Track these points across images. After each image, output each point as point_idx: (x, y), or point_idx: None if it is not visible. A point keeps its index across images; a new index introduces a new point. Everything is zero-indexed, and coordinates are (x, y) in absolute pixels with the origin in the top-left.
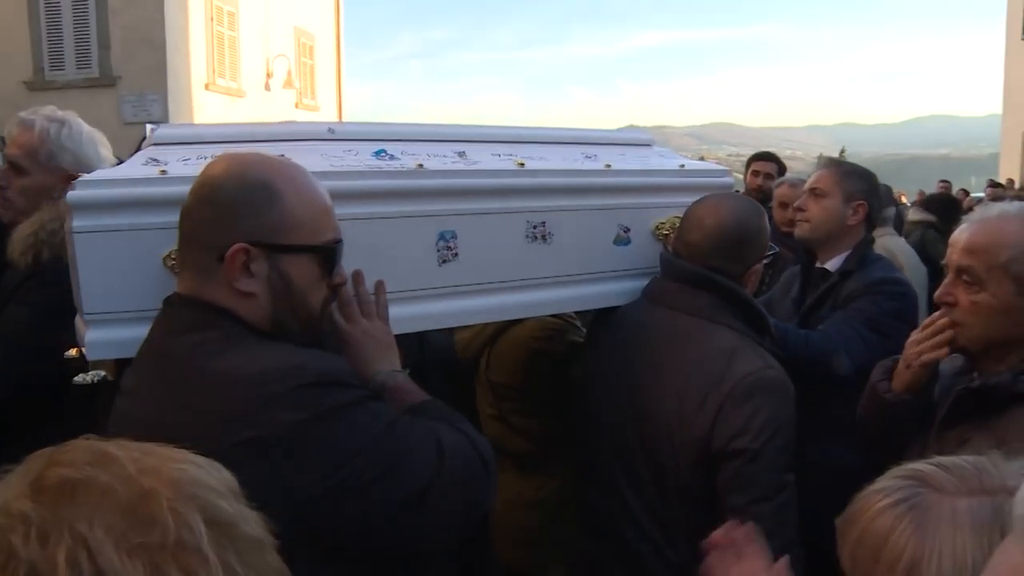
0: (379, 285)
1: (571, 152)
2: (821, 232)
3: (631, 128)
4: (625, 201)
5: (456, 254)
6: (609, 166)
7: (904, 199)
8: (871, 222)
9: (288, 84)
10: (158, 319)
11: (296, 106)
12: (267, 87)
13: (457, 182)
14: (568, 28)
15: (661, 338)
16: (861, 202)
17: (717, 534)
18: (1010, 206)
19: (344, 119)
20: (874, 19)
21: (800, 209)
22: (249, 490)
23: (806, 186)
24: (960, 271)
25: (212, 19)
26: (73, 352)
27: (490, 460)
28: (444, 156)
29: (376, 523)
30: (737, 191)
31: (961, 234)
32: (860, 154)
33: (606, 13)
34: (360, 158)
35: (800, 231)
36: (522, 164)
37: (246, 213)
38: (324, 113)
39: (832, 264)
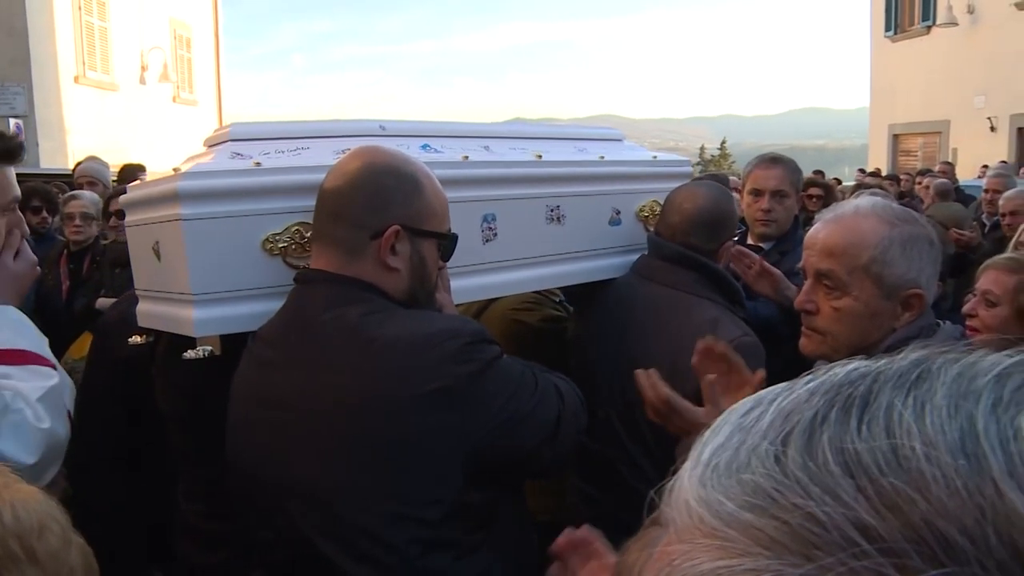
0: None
1: (566, 146)
2: (784, 229)
3: (538, 121)
4: (616, 188)
5: (496, 234)
6: (603, 157)
7: None
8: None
9: (164, 77)
10: (300, 294)
11: (173, 100)
12: (142, 80)
13: (495, 171)
14: (451, 21)
15: (651, 308)
16: (798, 192)
17: (560, 542)
18: (864, 202)
19: (225, 114)
20: (752, 12)
21: (766, 210)
22: (437, 433)
23: (756, 185)
24: (820, 276)
25: (80, 8)
26: (138, 339)
27: (582, 396)
28: (475, 150)
29: (535, 448)
30: (699, 178)
31: (817, 235)
32: (741, 144)
33: (488, 5)
34: (412, 151)
35: (767, 230)
36: (540, 156)
37: (400, 200)
38: (203, 108)
39: (767, 242)
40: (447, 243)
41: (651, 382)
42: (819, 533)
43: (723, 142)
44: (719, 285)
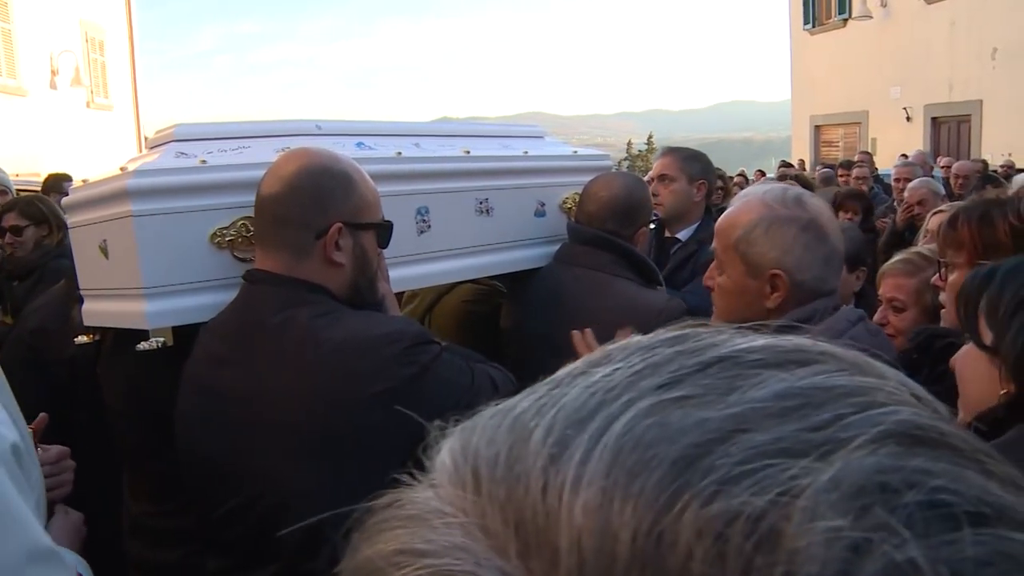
0: (379, 254)
1: (491, 143)
2: (673, 211)
3: (464, 120)
4: (540, 181)
5: (430, 226)
6: (527, 152)
7: None
8: (710, 195)
9: (76, 82)
10: (251, 294)
11: (88, 105)
12: (52, 85)
13: (427, 167)
14: (376, 21)
15: (575, 291)
16: (702, 181)
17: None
18: (756, 188)
19: (143, 119)
20: (676, 6)
21: (653, 194)
22: (383, 432)
23: (652, 174)
24: (716, 258)
25: None
26: (85, 338)
27: (516, 384)
28: (408, 146)
29: None
30: (618, 168)
31: (723, 215)
32: (670, 138)
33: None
34: (348, 149)
35: (656, 212)
36: (467, 151)
37: (339, 197)
38: (119, 113)
39: (683, 234)
40: (384, 231)
41: (587, 341)
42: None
43: (650, 137)
44: (635, 265)
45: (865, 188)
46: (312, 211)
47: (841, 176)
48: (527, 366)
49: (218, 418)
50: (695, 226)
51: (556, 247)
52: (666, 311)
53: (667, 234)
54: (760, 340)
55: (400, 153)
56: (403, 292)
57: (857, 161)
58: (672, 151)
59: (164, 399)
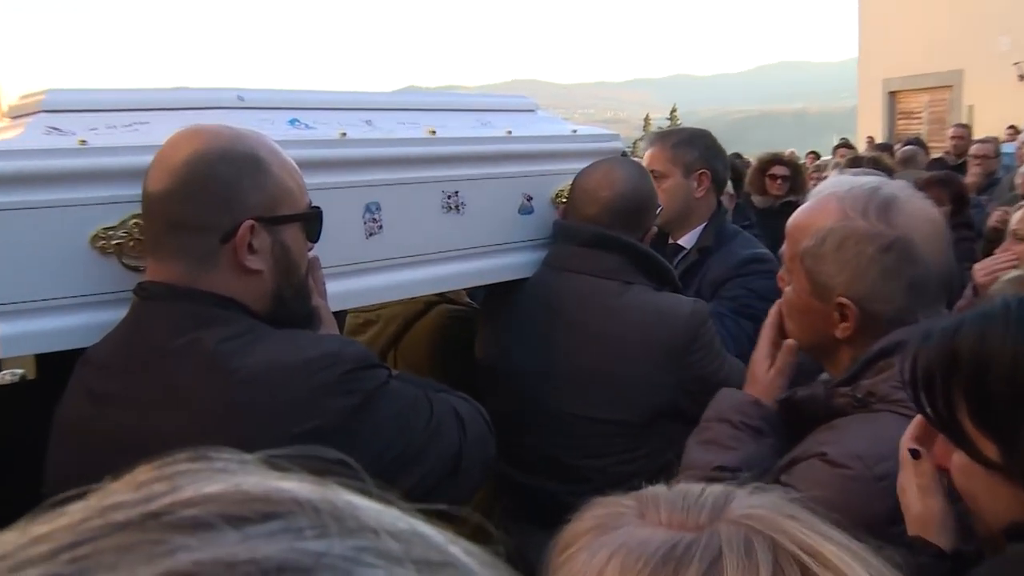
0: (314, 261)
1: (466, 120)
2: (671, 215)
3: (436, 90)
4: (527, 168)
5: (381, 227)
6: (510, 132)
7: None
8: (719, 186)
9: None
10: (143, 312)
11: None
12: None
13: (379, 151)
14: None
15: (576, 304)
16: (702, 171)
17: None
18: (842, 182)
19: None
20: None
21: None
22: None
23: None
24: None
25: None
26: None
27: (489, 420)
28: (355, 125)
29: (431, 485)
30: (624, 154)
31: (795, 214)
32: (696, 112)
33: None
34: (278, 127)
35: None
36: (433, 132)
37: (247, 188)
38: None
39: (686, 240)
40: (312, 222)
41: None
42: None
43: (673, 110)
44: (647, 266)
45: (980, 172)
46: (213, 209)
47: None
48: (513, 416)
49: (100, 471)
50: (700, 228)
51: (545, 253)
52: (696, 315)
53: (671, 240)
54: (224, 484)
55: (345, 134)
56: (345, 312)
57: (951, 136)
58: (660, 138)
59: (29, 447)
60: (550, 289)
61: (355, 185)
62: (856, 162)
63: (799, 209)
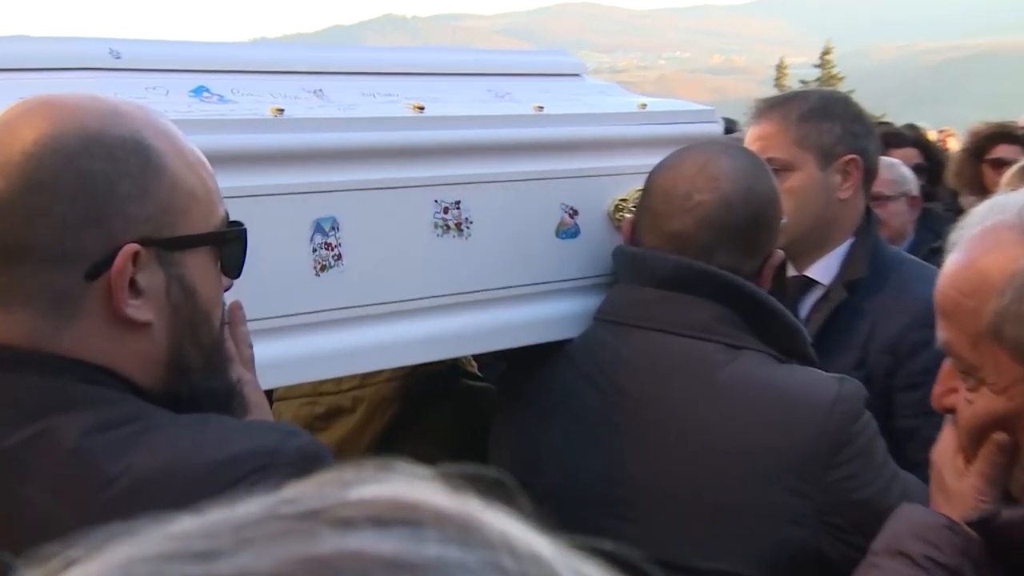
0: (234, 308)
1: (472, 88)
2: (801, 229)
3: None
4: (568, 165)
5: (340, 256)
6: (542, 109)
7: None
8: (870, 180)
9: None
10: None
11: None
12: None
13: (336, 138)
14: None
15: (655, 380)
16: (850, 157)
17: None
18: (1000, 205)
19: None
20: None
21: None
22: None
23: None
24: (947, 352)
25: None
26: None
27: None
28: (297, 97)
29: None
30: (738, 142)
31: (945, 273)
32: (867, 52)
33: None
34: (176, 99)
35: None
36: (421, 108)
37: (126, 194)
38: None
39: (820, 271)
40: (230, 246)
41: None
42: None
43: (825, 52)
44: (765, 321)
45: None
46: (73, 227)
47: None
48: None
49: None
50: (843, 251)
51: (601, 298)
52: (844, 401)
53: (793, 272)
54: (386, 491)
55: (282, 111)
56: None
57: None
58: (775, 108)
59: None
60: (608, 359)
61: (299, 191)
62: None
63: (950, 263)
